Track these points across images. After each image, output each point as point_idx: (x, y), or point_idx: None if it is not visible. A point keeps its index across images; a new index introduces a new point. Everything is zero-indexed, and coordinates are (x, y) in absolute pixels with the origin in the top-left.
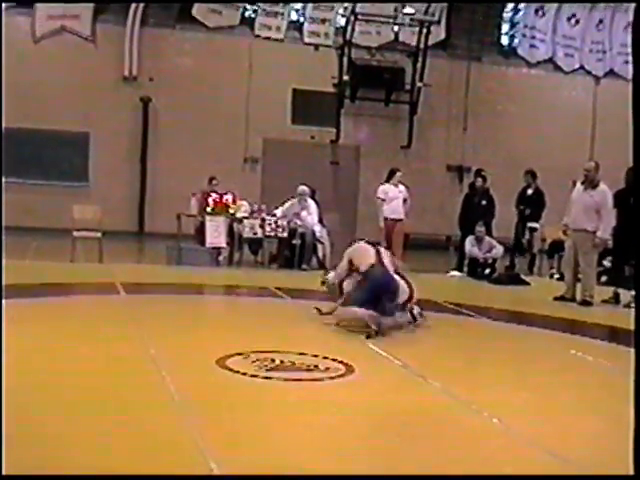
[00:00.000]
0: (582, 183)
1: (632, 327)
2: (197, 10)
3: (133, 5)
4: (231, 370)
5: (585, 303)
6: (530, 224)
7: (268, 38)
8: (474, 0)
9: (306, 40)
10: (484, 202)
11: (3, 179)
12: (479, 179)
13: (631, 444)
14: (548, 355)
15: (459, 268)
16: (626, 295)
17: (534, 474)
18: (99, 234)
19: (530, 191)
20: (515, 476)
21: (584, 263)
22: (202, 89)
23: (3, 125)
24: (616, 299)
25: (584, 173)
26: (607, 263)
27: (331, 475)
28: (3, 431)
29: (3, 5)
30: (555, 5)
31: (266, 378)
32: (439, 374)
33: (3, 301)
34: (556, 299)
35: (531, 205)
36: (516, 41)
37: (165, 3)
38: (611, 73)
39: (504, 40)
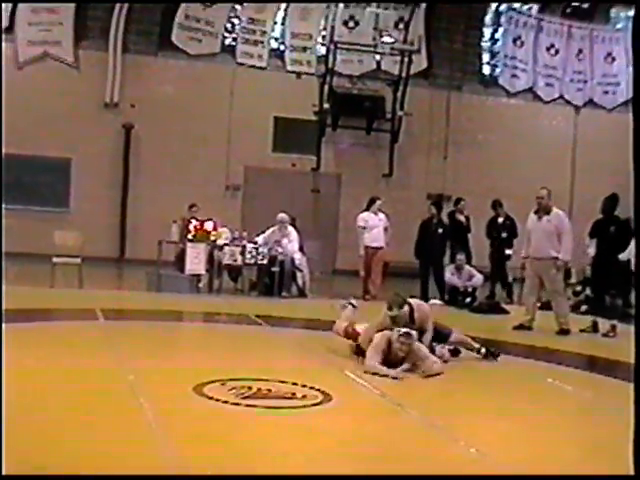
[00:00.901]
0: (535, 212)
1: (611, 357)
2: (177, 37)
3: (113, 31)
4: (208, 397)
5: (563, 332)
6: (506, 251)
7: (251, 66)
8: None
9: (288, 68)
10: (440, 230)
11: None
12: (432, 207)
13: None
14: (526, 384)
15: (441, 297)
16: (605, 324)
17: None
18: (79, 260)
19: (501, 219)
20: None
21: (554, 291)
22: (184, 116)
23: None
24: (594, 328)
25: (537, 201)
26: (588, 292)
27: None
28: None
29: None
30: (532, 34)
31: (243, 406)
32: (417, 403)
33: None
34: (515, 328)
35: (505, 232)
36: (497, 71)
37: (145, 28)
38: (591, 103)
39: (485, 70)
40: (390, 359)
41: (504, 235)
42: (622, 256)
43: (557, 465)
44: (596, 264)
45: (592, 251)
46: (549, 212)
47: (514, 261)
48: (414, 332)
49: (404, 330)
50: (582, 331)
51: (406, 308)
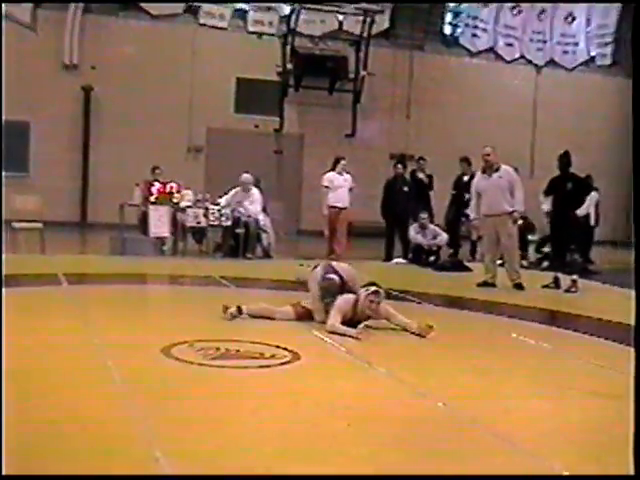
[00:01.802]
0: (483, 171)
1: (572, 311)
2: None
3: None
4: (176, 359)
5: (518, 286)
6: (467, 211)
7: (212, 27)
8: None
9: (250, 29)
10: (405, 188)
11: None
12: (399, 165)
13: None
14: (491, 339)
15: (405, 256)
16: (566, 280)
17: (479, 454)
18: (40, 225)
19: (466, 178)
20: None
21: (510, 245)
22: (145, 78)
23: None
24: (556, 284)
25: (484, 159)
26: (547, 249)
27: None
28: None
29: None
30: None
31: (211, 366)
32: (385, 360)
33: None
34: (479, 285)
35: (468, 192)
36: (458, 30)
37: None
38: (551, 62)
39: (447, 30)
40: (356, 319)
41: (466, 196)
42: (579, 212)
43: (522, 416)
44: (554, 220)
45: (546, 207)
46: (498, 169)
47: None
48: (382, 290)
49: (373, 289)
50: (545, 287)
51: (335, 277)
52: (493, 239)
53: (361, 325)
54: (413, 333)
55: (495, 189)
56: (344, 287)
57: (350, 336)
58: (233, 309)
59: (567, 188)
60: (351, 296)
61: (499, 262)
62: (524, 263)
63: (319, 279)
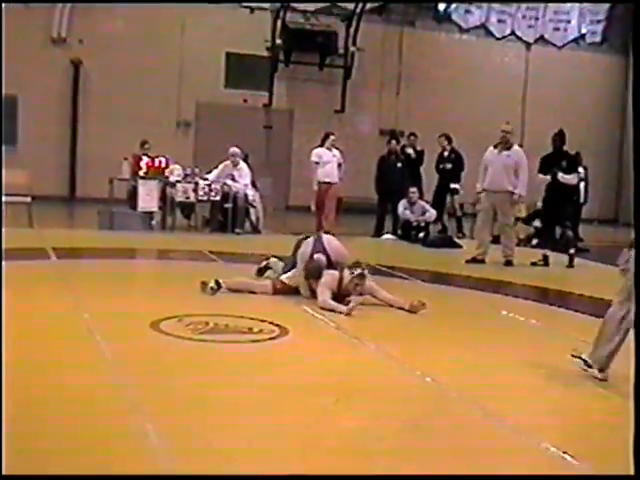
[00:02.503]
0: (495, 146)
1: (563, 288)
2: None
3: None
4: (165, 333)
5: (509, 263)
6: (451, 185)
7: (203, 1)
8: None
9: (243, 3)
10: (399, 164)
11: None
12: (393, 141)
13: (631, 444)
14: (479, 316)
15: (394, 232)
16: (556, 257)
17: (466, 430)
18: (28, 199)
19: (446, 153)
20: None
21: (505, 223)
22: (134, 52)
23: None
24: (545, 261)
25: (503, 134)
26: (537, 224)
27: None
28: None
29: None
30: None
31: (200, 341)
32: (373, 335)
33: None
34: (468, 262)
35: (450, 166)
36: (452, 7)
37: None
38: (541, 39)
39: (440, 5)
40: (340, 295)
41: (448, 166)
42: (569, 178)
43: (509, 392)
44: (548, 197)
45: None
46: (510, 147)
47: (464, 195)
48: (366, 272)
49: (358, 272)
50: (533, 264)
51: (322, 257)
52: (490, 215)
53: (352, 303)
54: (402, 309)
55: (501, 166)
56: (330, 266)
57: (341, 312)
58: (212, 284)
59: (562, 166)
60: (336, 273)
61: (490, 238)
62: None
63: (306, 258)
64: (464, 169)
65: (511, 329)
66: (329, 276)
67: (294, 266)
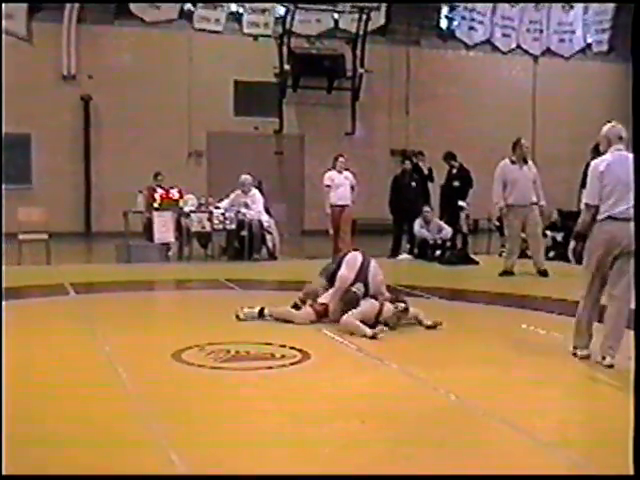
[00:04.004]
0: (513, 162)
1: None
2: (135, 5)
3: (69, 2)
4: (187, 363)
5: (544, 273)
6: (459, 202)
7: (208, 31)
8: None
9: (245, 31)
10: (413, 184)
11: None
12: (407, 161)
13: (631, 444)
14: (500, 331)
15: (410, 251)
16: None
17: (495, 446)
18: (45, 236)
19: (455, 171)
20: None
21: (537, 235)
22: (143, 85)
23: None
24: None
25: (524, 150)
26: (559, 238)
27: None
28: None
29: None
30: None
31: (223, 369)
32: (395, 355)
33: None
34: (501, 275)
35: (458, 183)
36: (455, 23)
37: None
38: (548, 52)
39: (443, 23)
40: (375, 324)
41: (456, 184)
42: None
43: (535, 406)
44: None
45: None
46: (526, 161)
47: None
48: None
49: (402, 306)
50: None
51: (360, 288)
52: (519, 230)
53: (379, 327)
54: (428, 326)
55: (526, 180)
56: (366, 295)
57: (364, 335)
58: (256, 310)
59: None
60: (376, 303)
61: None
62: (528, 252)
63: (346, 283)
64: (472, 186)
65: (532, 343)
66: (369, 305)
67: (332, 283)
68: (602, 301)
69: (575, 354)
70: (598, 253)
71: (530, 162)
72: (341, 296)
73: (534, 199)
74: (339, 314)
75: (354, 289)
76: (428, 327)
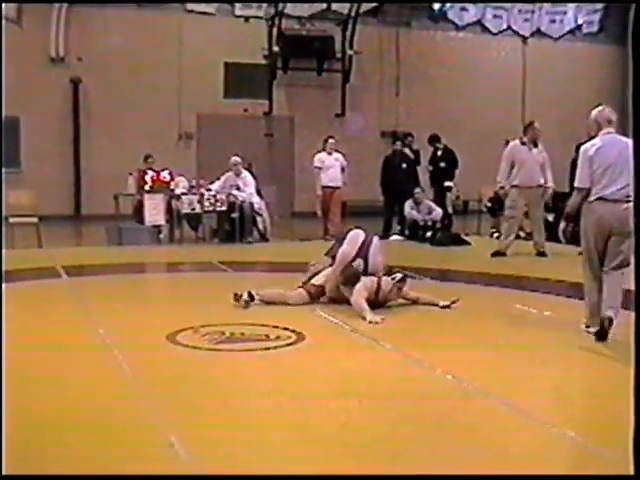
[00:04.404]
0: (523, 143)
1: (575, 279)
2: None
3: None
4: (183, 345)
5: (542, 254)
6: (446, 183)
7: (199, 12)
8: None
9: (237, 12)
10: (404, 165)
11: None
12: (398, 142)
13: (631, 444)
14: (494, 310)
15: (401, 232)
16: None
17: (492, 426)
18: (36, 219)
19: (440, 153)
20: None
21: (538, 217)
22: (133, 67)
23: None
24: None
25: (536, 132)
26: (550, 219)
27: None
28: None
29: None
30: None
31: (218, 350)
32: (390, 336)
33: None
34: (493, 255)
35: (444, 164)
36: (447, 5)
37: None
38: (538, 32)
39: (435, 5)
40: (379, 302)
41: (442, 165)
42: None
43: (530, 385)
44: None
45: None
46: (537, 144)
47: (467, 193)
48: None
49: (399, 276)
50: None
51: (360, 264)
52: (522, 211)
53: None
54: (443, 306)
55: (535, 162)
56: (365, 273)
57: (364, 318)
58: (245, 296)
59: None
60: (374, 279)
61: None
62: (521, 234)
63: (346, 259)
64: (458, 167)
65: (525, 322)
66: (368, 281)
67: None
68: None
69: (589, 331)
70: (592, 232)
71: (540, 145)
72: (342, 270)
73: (541, 181)
74: (336, 290)
75: (355, 264)
76: (444, 307)
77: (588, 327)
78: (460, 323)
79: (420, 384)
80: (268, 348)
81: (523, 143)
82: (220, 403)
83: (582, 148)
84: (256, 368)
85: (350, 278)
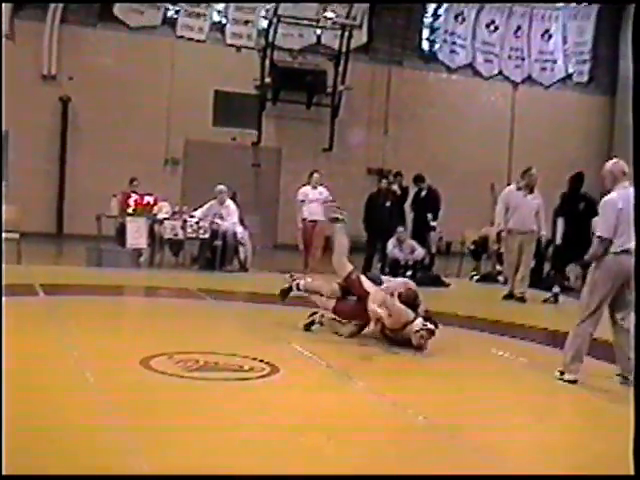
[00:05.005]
0: (519, 188)
1: (549, 326)
2: (118, 9)
3: (53, 1)
4: (156, 371)
5: (521, 299)
6: (430, 222)
7: (190, 39)
8: (395, 0)
9: (228, 41)
10: (388, 204)
11: None
12: (384, 180)
13: (631, 444)
14: (471, 354)
15: (382, 270)
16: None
17: (461, 467)
18: (17, 235)
19: (424, 193)
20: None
21: (528, 262)
22: (123, 89)
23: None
24: (556, 299)
25: (531, 179)
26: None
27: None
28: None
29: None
30: (474, 11)
31: (191, 379)
32: (363, 374)
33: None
34: (505, 298)
35: (427, 205)
36: (437, 46)
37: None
38: (529, 79)
39: (425, 45)
40: (397, 334)
41: (425, 207)
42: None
43: (501, 430)
44: (565, 239)
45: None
46: (533, 190)
47: (450, 234)
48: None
49: (430, 327)
50: (545, 301)
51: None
52: (516, 254)
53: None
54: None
55: (528, 208)
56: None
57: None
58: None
59: (578, 209)
60: (412, 313)
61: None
62: (500, 279)
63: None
64: (440, 208)
65: (500, 367)
66: (406, 311)
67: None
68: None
69: (562, 379)
70: (609, 284)
71: (536, 192)
72: (400, 293)
73: (534, 227)
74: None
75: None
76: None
77: (562, 374)
78: (435, 365)
79: (391, 423)
80: (241, 379)
81: (519, 188)
82: (189, 432)
83: (608, 199)
84: (227, 399)
85: (411, 297)
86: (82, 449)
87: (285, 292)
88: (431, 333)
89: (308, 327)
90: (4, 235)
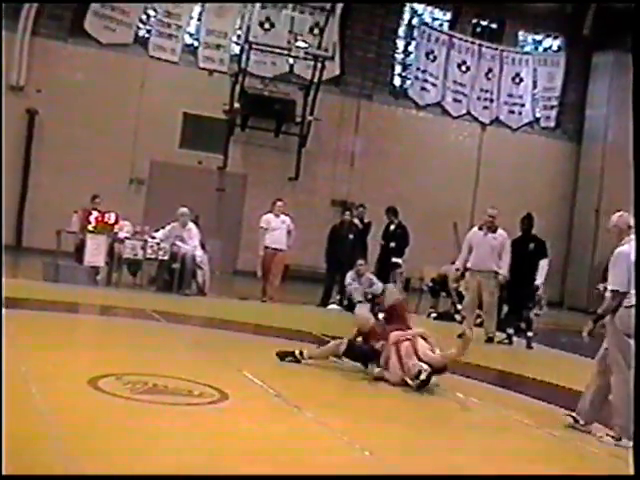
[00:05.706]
0: (480, 228)
1: (504, 368)
2: (90, 25)
3: (24, 12)
4: (103, 391)
5: (490, 340)
6: (394, 259)
7: (164, 60)
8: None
9: (200, 65)
10: (351, 236)
11: None
12: (347, 212)
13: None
14: (431, 395)
15: (340, 302)
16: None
17: None
18: None
19: (393, 227)
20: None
21: (490, 302)
22: (91, 105)
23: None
24: (509, 340)
25: (489, 219)
26: None
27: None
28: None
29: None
30: (444, 51)
31: (138, 401)
32: (313, 404)
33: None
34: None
35: (395, 241)
36: (408, 83)
37: (58, 13)
38: (497, 121)
39: (397, 81)
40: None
41: (392, 245)
42: (538, 281)
43: (447, 469)
44: (514, 279)
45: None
46: (495, 230)
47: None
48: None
49: (427, 370)
50: (499, 342)
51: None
52: (475, 294)
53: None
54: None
55: (487, 247)
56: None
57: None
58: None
59: (529, 249)
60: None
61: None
62: (457, 317)
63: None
64: (408, 244)
65: (451, 406)
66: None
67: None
68: None
69: (575, 426)
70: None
71: (501, 231)
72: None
73: (493, 267)
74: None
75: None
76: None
77: (583, 424)
78: (386, 399)
79: (336, 457)
80: (189, 404)
81: (480, 228)
82: (131, 456)
83: (620, 251)
84: (174, 423)
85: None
86: (22, 464)
87: (286, 355)
88: (424, 382)
89: (283, 357)
90: None
